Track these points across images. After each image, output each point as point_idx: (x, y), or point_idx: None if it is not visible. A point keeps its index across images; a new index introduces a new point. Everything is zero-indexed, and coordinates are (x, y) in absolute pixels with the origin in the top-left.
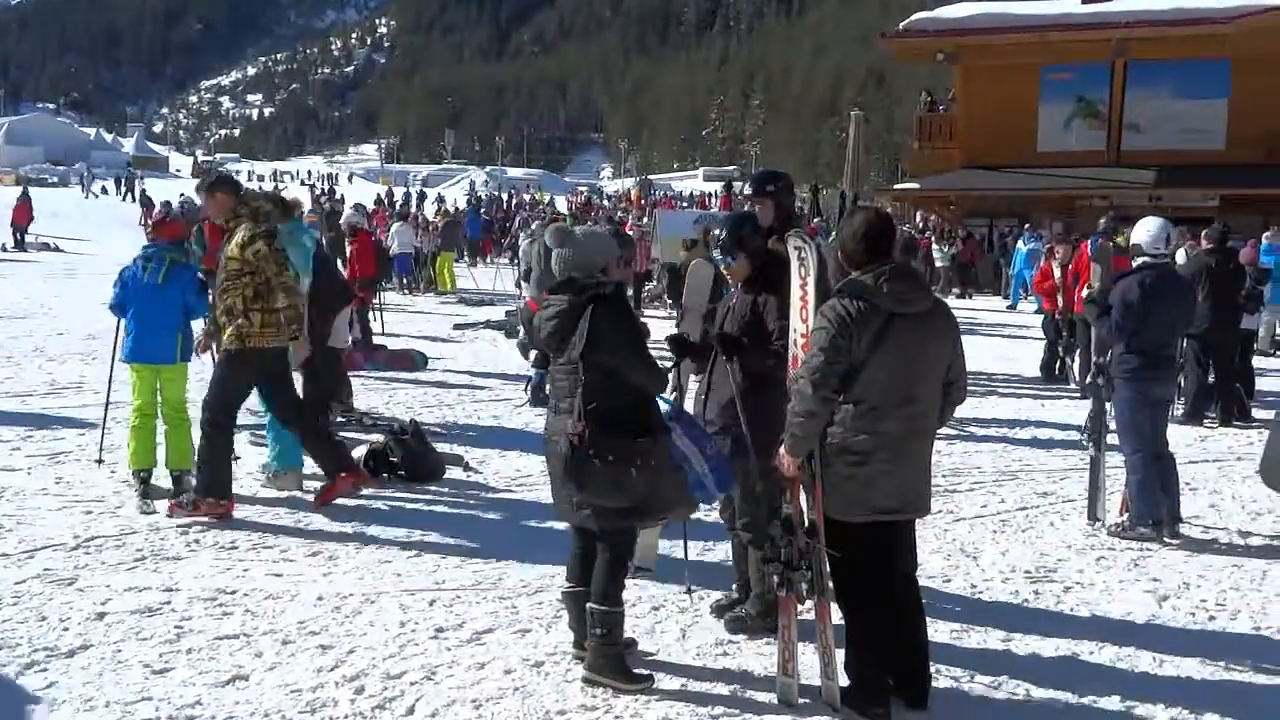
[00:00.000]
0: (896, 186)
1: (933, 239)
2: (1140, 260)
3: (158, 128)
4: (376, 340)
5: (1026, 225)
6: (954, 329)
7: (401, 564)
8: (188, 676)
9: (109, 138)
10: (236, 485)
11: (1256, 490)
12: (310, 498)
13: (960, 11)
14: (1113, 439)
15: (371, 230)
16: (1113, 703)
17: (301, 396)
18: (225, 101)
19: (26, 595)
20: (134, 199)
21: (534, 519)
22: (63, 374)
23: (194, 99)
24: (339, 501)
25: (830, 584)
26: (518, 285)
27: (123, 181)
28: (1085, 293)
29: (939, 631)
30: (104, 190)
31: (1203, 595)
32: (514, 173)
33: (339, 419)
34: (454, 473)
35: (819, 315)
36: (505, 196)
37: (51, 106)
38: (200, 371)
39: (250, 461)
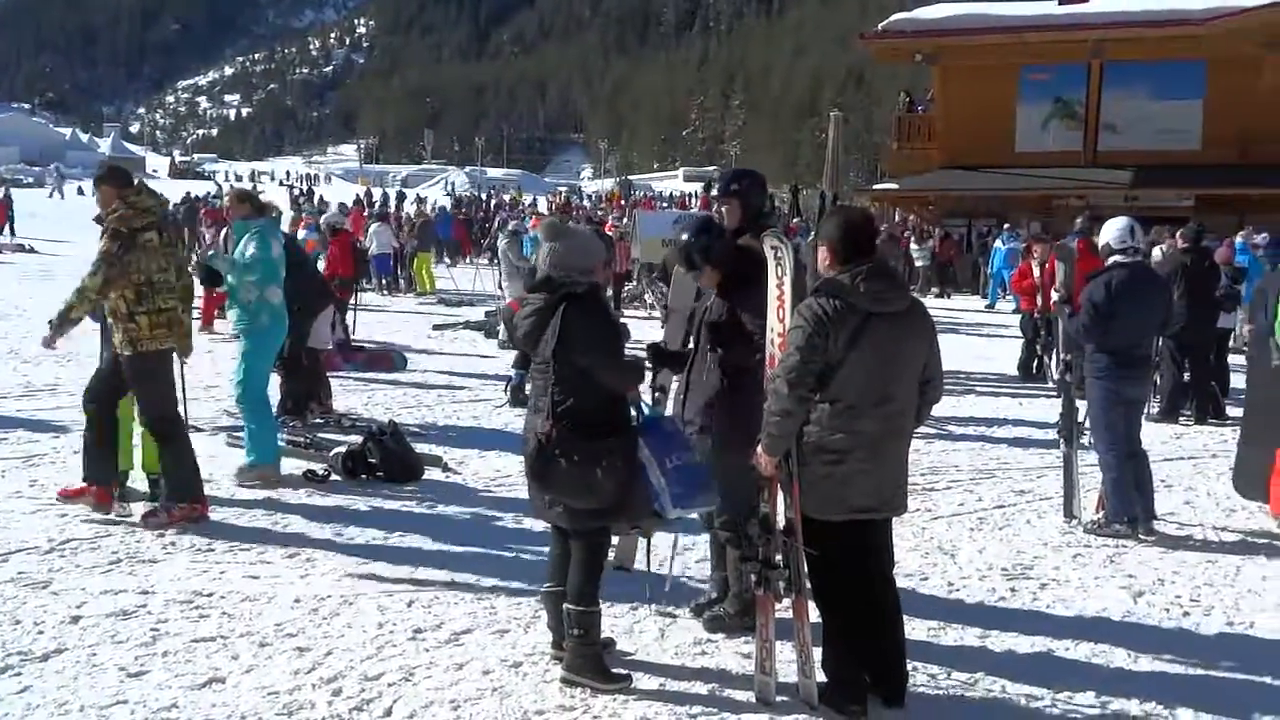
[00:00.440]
0: (876, 187)
1: (911, 238)
2: (1112, 259)
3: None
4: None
5: (1005, 225)
6: (930, 328)
7: (379, 565)
8: (164, 679)
9: (85, 138)
10: (214, 488)
11: (1230, 488)
12: (286, 497)
13: (938, 12)
14: (1087, 437)
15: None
16: (1088, 698)
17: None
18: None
19: (0, 599)
20: None
21: (512, 519)
22: (38, 376)
23: (171, 99)
24: (317, 502)
25: (808, 582)
26: (499, 286)
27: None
28: (1054, 294)
29: (916, 629)
30: (80, 191)
31: (1177, 591)
32: (494, 173)
33: (317, 420)
34: (433, 473)
35: (795, 314)
36: (485, 196)
37: (27, 106)
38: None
39: (229, 463)
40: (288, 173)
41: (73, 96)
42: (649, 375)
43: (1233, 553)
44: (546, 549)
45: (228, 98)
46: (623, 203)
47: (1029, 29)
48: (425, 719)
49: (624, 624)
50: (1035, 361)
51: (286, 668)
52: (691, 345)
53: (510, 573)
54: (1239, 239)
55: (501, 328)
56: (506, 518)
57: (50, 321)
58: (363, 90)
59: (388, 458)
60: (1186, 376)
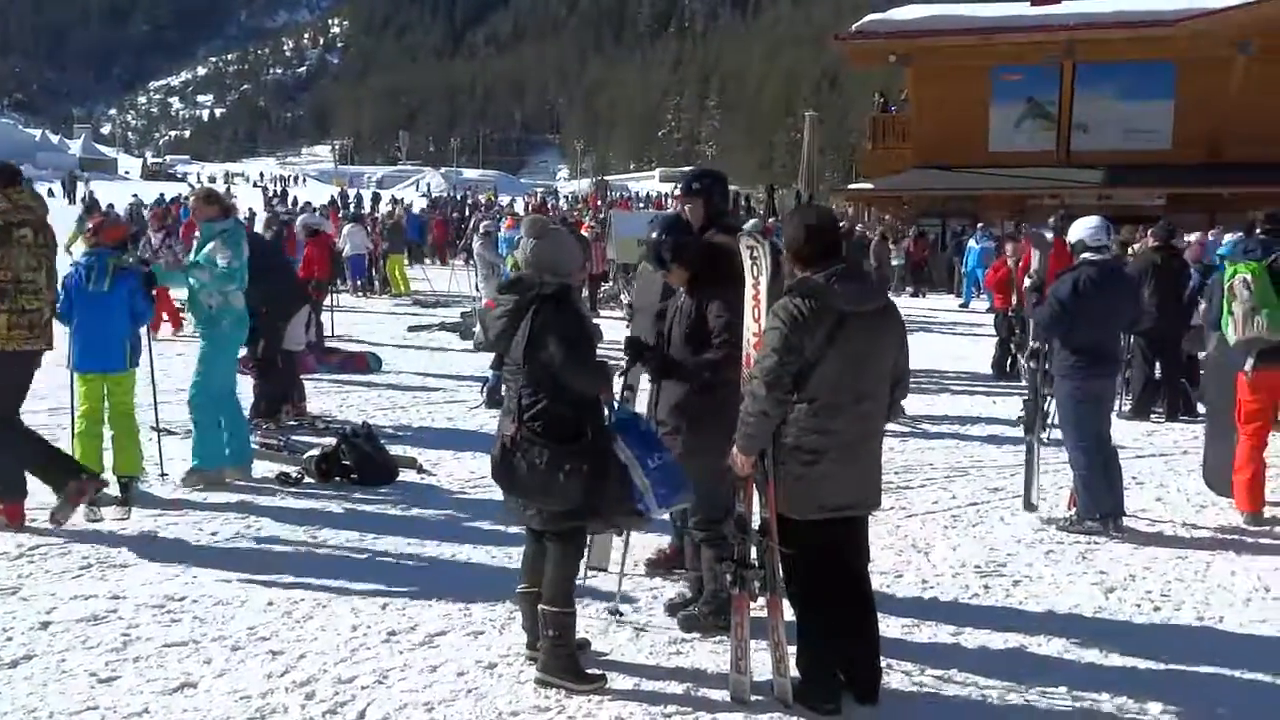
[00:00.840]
0: (851, 186)
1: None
2: (1084, 255)
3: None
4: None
5: (979, 224)
6: (901, 327)
7: (353, 567)
8: (135, 685)
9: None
10: (186, 491)
11: (1201, 484)
12: (259, 500)
13: (912, 14)
14: (1057, 433)
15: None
16: (1060, 693)
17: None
18: (175, 102)
19: None
20: (72, 200)
21: (487, 521)
22: None
23: (143, 100)
24: (290, 505)
25: (782, 581)
26: (475, 287)
27: (65, 184)
28: (1027, 279)
29: (890, 626)
30: (50, 193)
31: (1148, 587)
32: (470, 174)
33: (291, 422)
34: (407, 475)
35: (771, 315)
36: (459, 197)
37: None
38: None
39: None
40: (261, 174)
41: (42, 98)
42: (618, 379)
43: (1203, 548)
44: (521, 550)
45: (200, 98)
46: (599, 203)
47: (1001, 30)
48: None
49: (599, 624)
50: (1009, 360)
51: (259, 671)
52: (664, 344)
53: (485, 574)
54: (1209, 237)
55: (478, 328)
56: (481, 519)
57: None
58: (337, 91)
59: (362, 460)
60: (1158, 374)
